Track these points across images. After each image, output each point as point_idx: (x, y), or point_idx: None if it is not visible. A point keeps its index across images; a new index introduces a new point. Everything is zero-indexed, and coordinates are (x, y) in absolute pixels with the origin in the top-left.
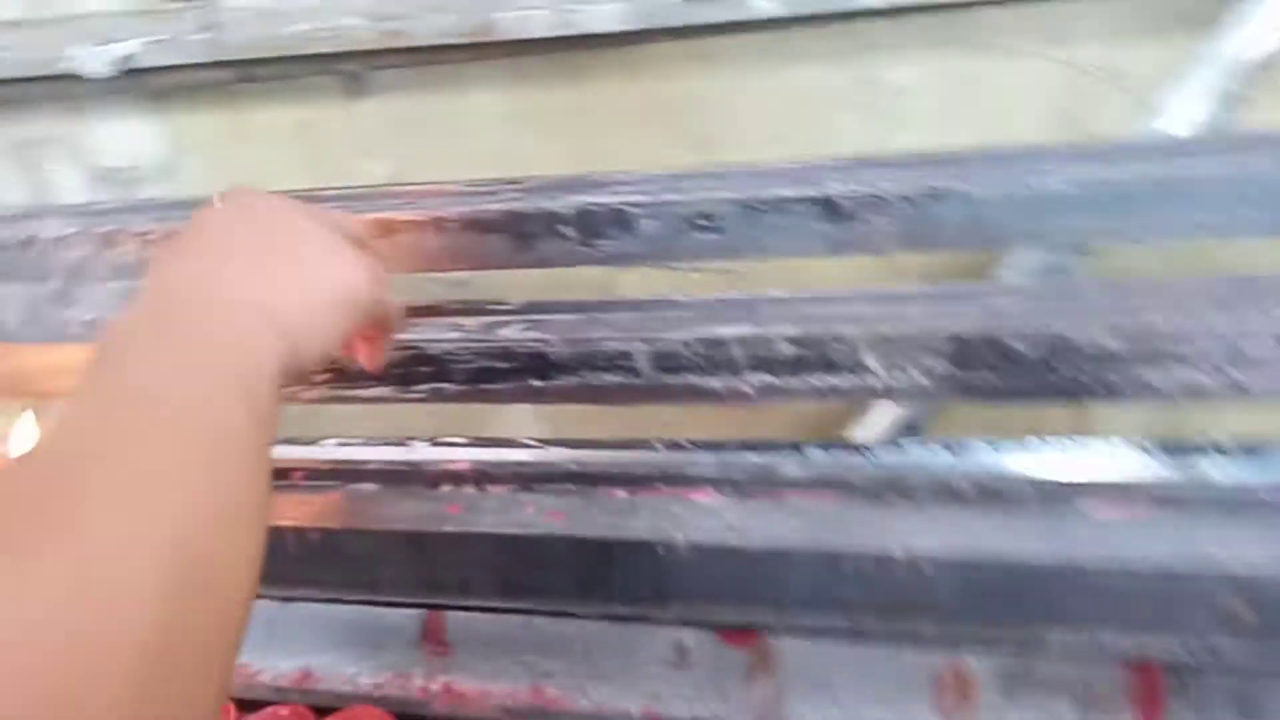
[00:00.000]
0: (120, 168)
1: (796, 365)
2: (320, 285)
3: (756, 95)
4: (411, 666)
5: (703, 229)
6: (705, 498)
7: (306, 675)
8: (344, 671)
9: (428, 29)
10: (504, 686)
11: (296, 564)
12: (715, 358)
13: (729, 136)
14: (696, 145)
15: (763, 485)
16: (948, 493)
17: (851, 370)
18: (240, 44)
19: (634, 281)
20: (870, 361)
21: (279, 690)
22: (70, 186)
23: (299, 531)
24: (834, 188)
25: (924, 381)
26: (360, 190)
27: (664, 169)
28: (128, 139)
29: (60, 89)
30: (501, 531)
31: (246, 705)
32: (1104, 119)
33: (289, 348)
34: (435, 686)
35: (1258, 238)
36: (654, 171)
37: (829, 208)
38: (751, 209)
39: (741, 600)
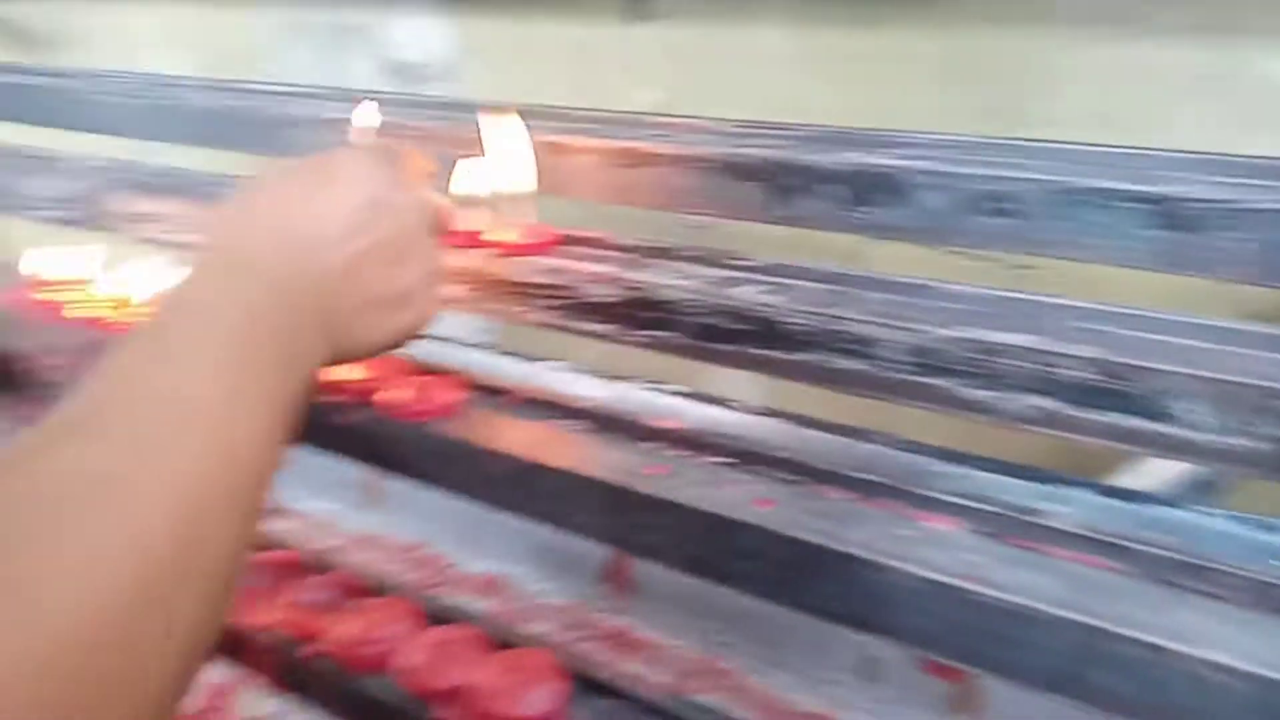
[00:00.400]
0: (412, 63)
1: (1087, 396)
2: (391, 325)
3: (1082, 67)
4: (594, 599)
5: (995, 212)
6: (946, 526)
7: (493, 582)
8: (530, 588)
9: None
10: (678, 646)
11: (495, 487)
12: (985, 365)
13: (1039, 109)
14: (999, 115)
15: (1019, 529)
16: (1261, 588)
17: (1162, 417)
18: None
19: (886, 257)
20: (1192, 412)
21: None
22: (363, 75)
23: (502, 456)
24: (1173, 188)
25: (1263, 449)
26: (620, 115)
27: (956, 135)
28: (422, 37)
29: None
30: (701, 507)
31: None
32: None
33: (330, 354)
34: (611, 627)
35: None
36: (944, 135)
37: (1163, 211)
38: (1060, 197)
39: (970, 652)
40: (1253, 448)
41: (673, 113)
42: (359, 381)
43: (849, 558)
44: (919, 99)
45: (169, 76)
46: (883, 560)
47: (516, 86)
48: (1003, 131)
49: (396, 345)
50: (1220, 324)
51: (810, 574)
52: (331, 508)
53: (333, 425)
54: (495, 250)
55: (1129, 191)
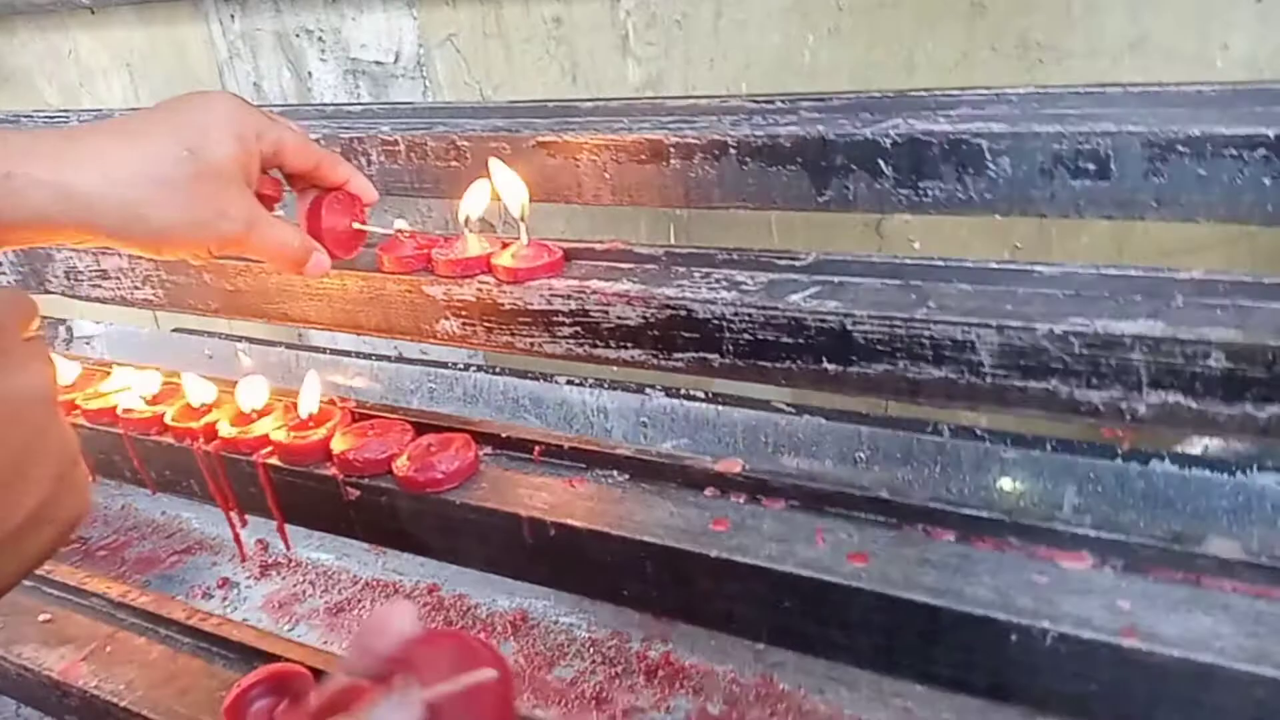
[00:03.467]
0: (375, 61)
1: (1227, 385)
2: (23, 557)
3: None
4: (629, 627)
5: (1083, 173)
6: (1081, 565)
7: (524, 617)
8: (561, 620)
9: None
10: (729, 668)
11: (533, 560)
12: (1102, 362)
13: (1070, 41)
14: (1028, 50)
15: (1172, 562)
16: None
17: None
18: None
19: (929, 231)
20: None
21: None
22: (329, 80)
23: (537, 522)
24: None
25: None
26: (617, 103)
27: (1002, 85)
28: (382, 32)
29: None
30: (786, 570)
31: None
32: None
33: None
34: (654, 655)
35: None
36: (1005, 88)
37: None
38: (1161, 148)
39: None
40: None
41: (666, 89)
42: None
43: (970, 619)
44: (934, 43)
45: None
46: (1013, 619)
47: (493, 73)
48: (1030, 68)
49: (41, 564)
50: None
51: (928, 640)
52: (335, 560)
53: (345, 510)
54: (500, 277)
55: (1244, 135)
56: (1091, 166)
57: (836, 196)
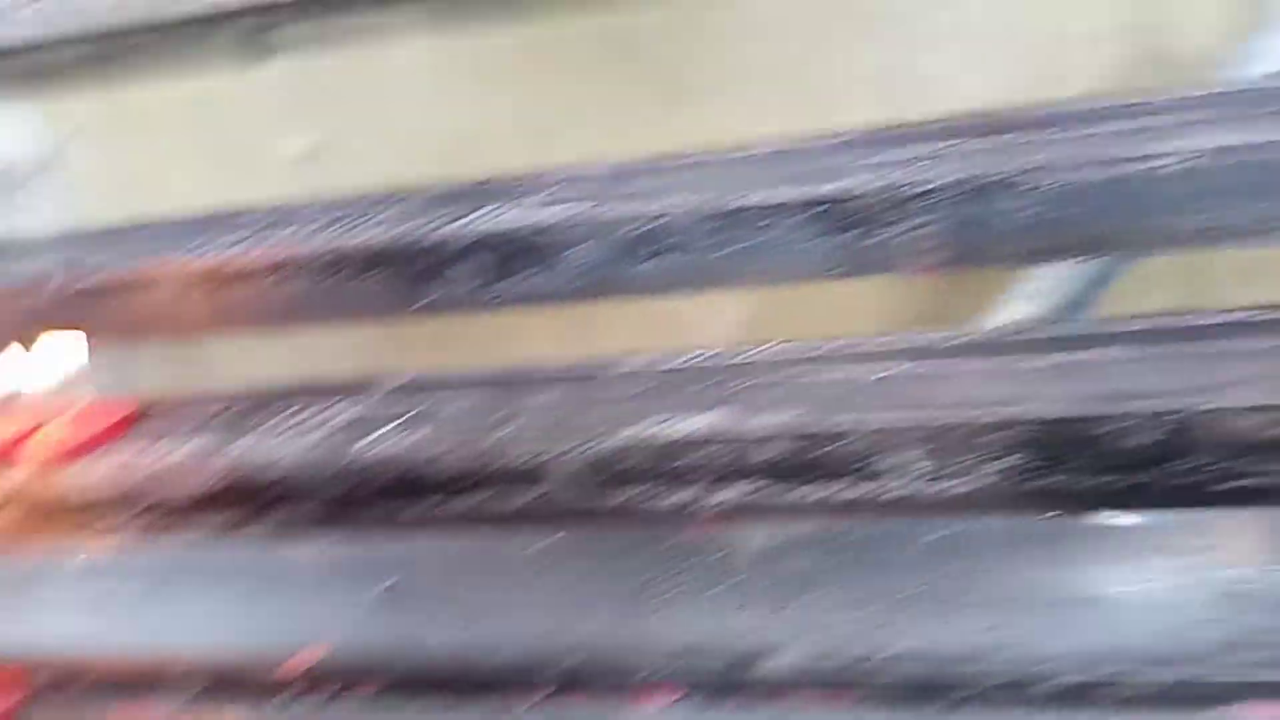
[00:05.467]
0: None
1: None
2: None
3: (744, 23)
4: None
5: (656, 253)
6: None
7: None
8: None
9: None
10: None
11: None
12: (673, 467)
13: (709, 77)
14: (671, 90)
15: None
16: None
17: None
18: (111, 7)
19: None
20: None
21: None
22: None
23: None
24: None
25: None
26: (184, 222)
27: (605, 160)
28: (5, 128)
29: None
30: None
31: None
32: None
33: None
34: None
35: None
36: (585, 165)
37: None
38: (721, 218)
39: None
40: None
41: (325, 157)
42: None
43: None
44: (582, 89)
45: None
46: None
47: (133, 164)
48: (677, 108)
49: None
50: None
51: None
52: None
53: None
54: (49, 458)
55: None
56: (661, 246)
57: (427, 305)
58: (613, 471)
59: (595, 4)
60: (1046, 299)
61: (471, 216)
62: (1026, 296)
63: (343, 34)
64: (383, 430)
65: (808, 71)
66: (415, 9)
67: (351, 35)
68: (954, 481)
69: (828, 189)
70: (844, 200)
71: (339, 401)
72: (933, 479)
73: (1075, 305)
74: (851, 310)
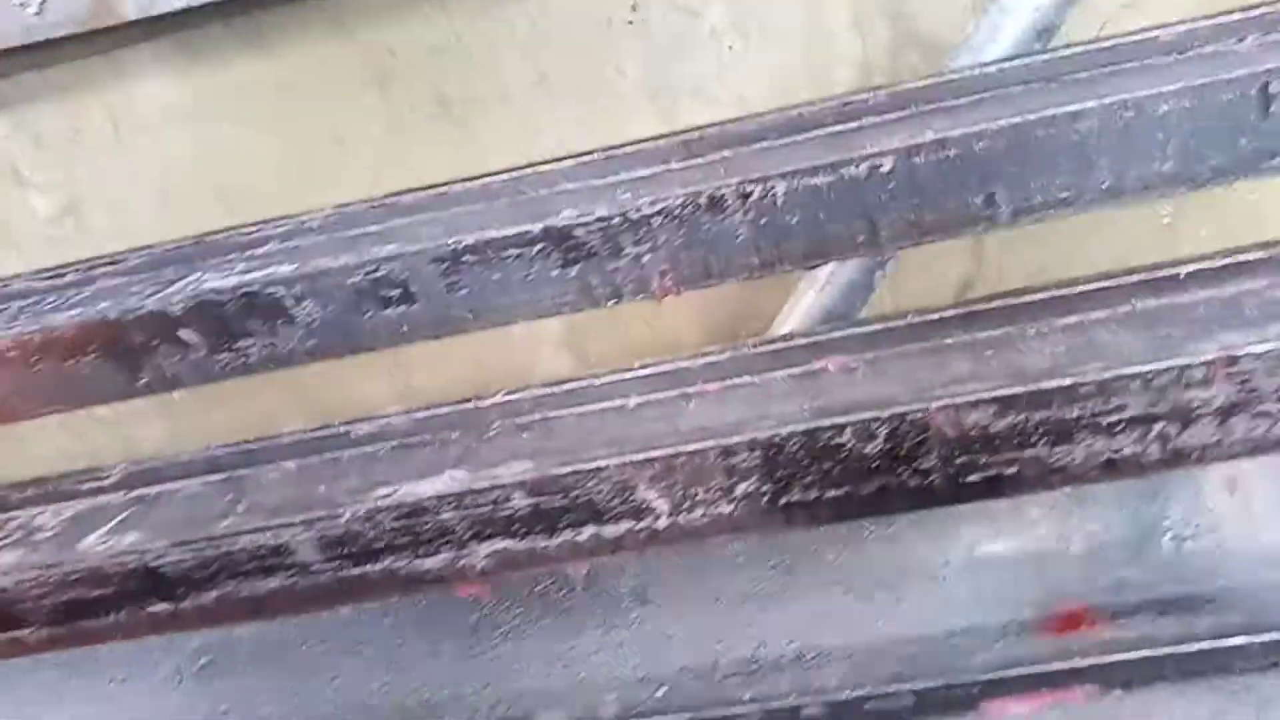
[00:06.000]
0: None
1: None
2: None
3: (510, 35)
4: None
5: (390, 301)
6: None
7: None
8: None
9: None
10: None
11: None
12: (419, 531)
13: (480, 89)
14: (447, 107)
15: None
16: None
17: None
18: None
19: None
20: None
21: None
22: None
23: None
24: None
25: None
26: None
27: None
28: None
29: None
30: None
31: None
32: None
33: None
34: None
35: None
36: (307, 214)
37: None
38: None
39: None
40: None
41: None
42: None
43: None
44: (350, 117)
45: None
46: None
47: None
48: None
49: None
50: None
51: None
52: None
53: None
54: None
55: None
56: (395, 294)
57: (154, 378)
58: (358, 544)
59: (357, 30)
60: (832, 289)
61: (180, 284)
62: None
63: (74, 81)
64: (109, 526)
65: (578, 85)
66: (153, 47)
67: (86, 80)
68: (700, 511)
69: (552, 222)
70: (569, 231)
71: (58, 500)
72: (678, 512)
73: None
74: (659, 314)
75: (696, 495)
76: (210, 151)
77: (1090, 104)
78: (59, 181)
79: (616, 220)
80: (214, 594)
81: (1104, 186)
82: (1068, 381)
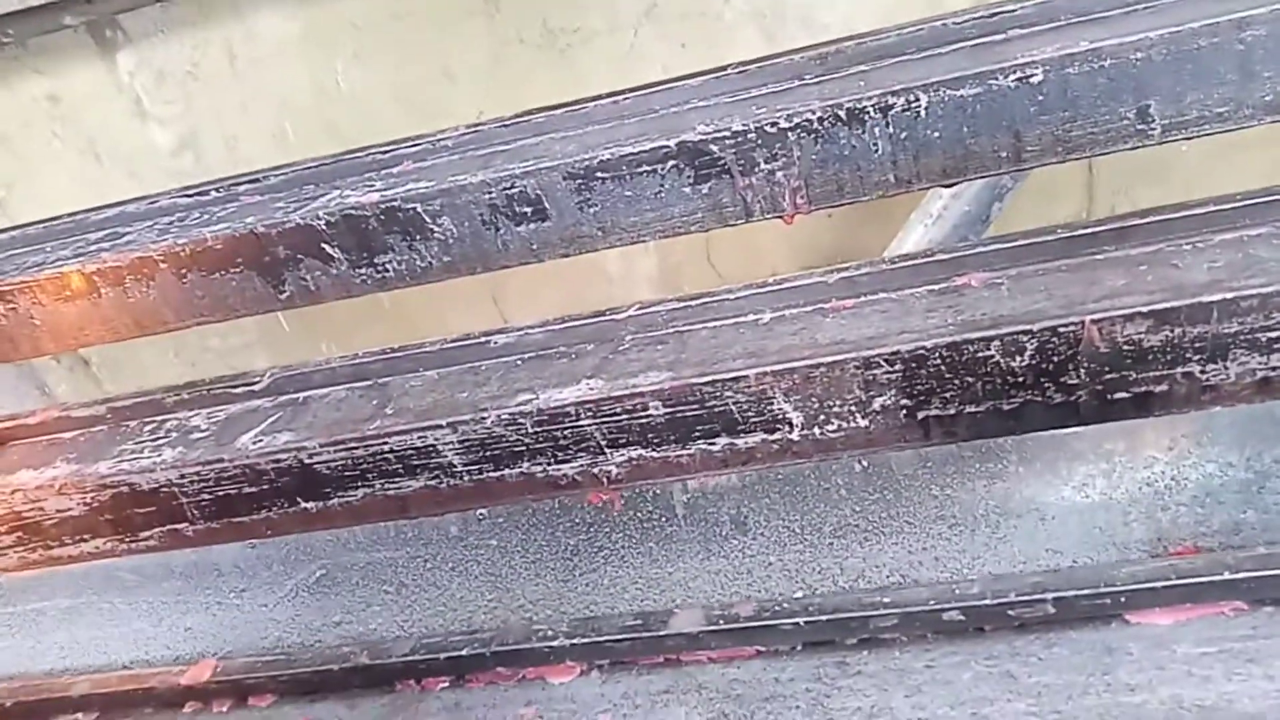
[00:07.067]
0: None
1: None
2: None
3: None
4: None
5: (522, 218)
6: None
7: None
8: None
9: None
10: None
11: None
12: (558, 437)
13: (590, 19)
14: (554, 37)
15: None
16: None
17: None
18: None
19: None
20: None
21: None
22: None
23: None
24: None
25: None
26: (36, 229)
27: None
28: None
29: None
30: None
31: None
32: None
33: None
34: None
35: None
36: (441, 134)
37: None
38: (583, 177)
39: None
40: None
41: (203, 146)
42: None
43: None
44: (459, 42)
45: None
46: None
47: (10, 176)
48: (574, 51)
49: None
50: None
51: None
52: None
53: None
54: None
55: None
56: (528, 210)
57: (297, 291)
58: (500, 447)
59: None
60: (944, 223)
61: (323, 199)
62: (924, 223)
63: (195, 15)
64: (261, 427)
65: (685, 13)
66: None
67: (205, 15)
68: (835, 424)
69: (686, 137)
70: (702, 146)
71: (211, 405)
72: (812, 425)
73: (973, 227)
74: (758, 252)
75: (832, 408)
76: (322, 81)
77: (1259, 10)
78: (178, 115)
79: (751, 135)
80: (360, 492)
81: (1267, 99)
82: (1229, 295)
